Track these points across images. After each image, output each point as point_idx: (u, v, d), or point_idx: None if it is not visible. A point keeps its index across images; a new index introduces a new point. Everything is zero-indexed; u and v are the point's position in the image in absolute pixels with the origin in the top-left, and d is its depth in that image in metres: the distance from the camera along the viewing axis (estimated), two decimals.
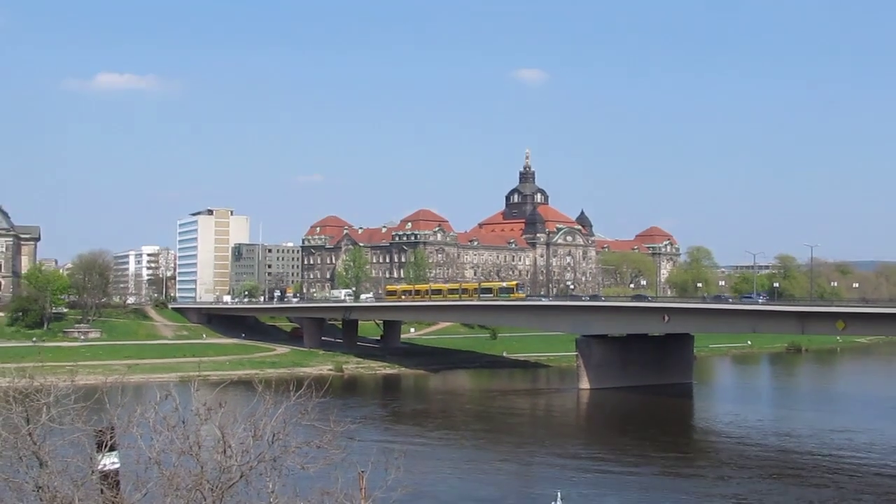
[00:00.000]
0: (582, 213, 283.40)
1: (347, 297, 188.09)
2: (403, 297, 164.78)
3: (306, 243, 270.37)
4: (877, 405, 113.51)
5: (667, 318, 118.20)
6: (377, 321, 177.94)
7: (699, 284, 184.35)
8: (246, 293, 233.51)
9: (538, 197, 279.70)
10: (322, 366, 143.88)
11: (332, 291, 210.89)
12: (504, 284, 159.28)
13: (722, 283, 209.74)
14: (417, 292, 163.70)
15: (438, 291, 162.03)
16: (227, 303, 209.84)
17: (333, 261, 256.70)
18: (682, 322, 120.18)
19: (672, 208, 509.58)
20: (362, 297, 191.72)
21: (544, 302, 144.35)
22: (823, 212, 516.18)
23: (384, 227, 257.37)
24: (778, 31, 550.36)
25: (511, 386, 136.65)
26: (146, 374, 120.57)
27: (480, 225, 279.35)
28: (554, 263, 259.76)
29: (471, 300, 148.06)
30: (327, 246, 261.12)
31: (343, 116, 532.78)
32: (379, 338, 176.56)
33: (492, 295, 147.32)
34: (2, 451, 16.55)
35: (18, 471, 16.45)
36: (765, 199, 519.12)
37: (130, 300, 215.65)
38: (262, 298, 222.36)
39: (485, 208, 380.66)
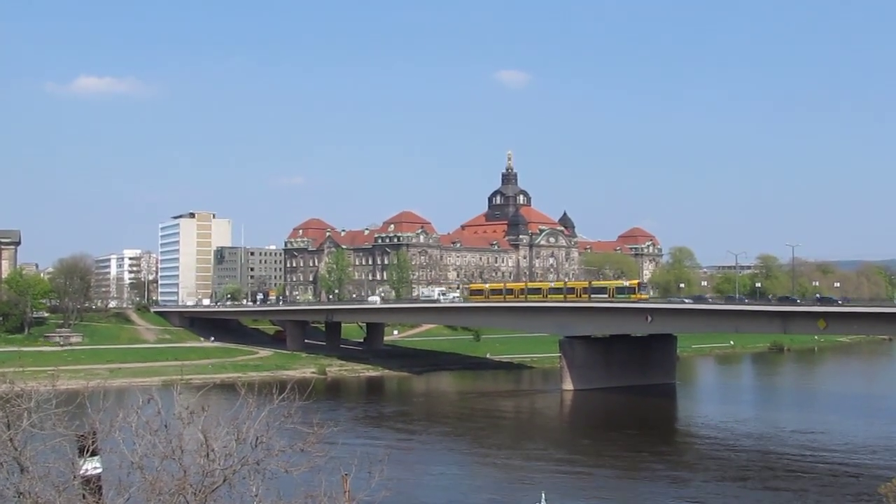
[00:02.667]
0: (564, 214, 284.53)
1: (455, 298, 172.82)
2: (492, 296, 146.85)
3: (289, 246, 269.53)
4: (852, 404, 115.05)
5: (650, 318, 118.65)
6: (360, 323, 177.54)
7: (681, 285, 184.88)
8: (228, 296, 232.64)
9: (520, 198, 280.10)
10: (305, 368, 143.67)
11: (422, 290, 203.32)
12: (625, 284, 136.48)
13: (704, 283, 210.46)
14: (510, 291, 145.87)
15: (537, 290, 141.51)
16: (206, 306, 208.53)
17: (316, 263, 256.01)
18: (665, 322, 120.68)
19: (654, 209, 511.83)
20: (450, 296, 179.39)
21: (682, 304, 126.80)
22: (805, 212, 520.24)
23: (367, 229, 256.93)
24: (762, 33, 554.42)
25: (495, 387, 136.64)
26: (128, 379, 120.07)
27: (463, 227, 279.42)
28: (536, 265, 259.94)
29: (577, 301, 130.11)
30: (310, 248, 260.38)
31: (325, 118, 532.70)
32: (362, 340, 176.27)
33: (606, 296, 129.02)
34: None
35: None
36: (746, 200, 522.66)
37: (112, 304, 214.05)
38: (244, 301, 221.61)
39: (467, 210, 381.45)
